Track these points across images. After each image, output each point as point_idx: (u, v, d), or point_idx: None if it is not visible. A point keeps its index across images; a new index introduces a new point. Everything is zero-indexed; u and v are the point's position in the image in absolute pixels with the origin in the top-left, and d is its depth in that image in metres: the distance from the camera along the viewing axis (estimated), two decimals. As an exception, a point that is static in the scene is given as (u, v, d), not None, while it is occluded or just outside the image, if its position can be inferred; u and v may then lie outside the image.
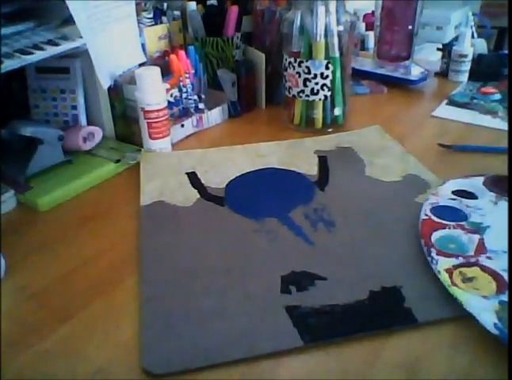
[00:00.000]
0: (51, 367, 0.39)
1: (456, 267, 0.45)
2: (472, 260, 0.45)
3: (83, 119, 0.72)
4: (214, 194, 0.60)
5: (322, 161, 0.68)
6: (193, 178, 0.64)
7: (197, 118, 0.79)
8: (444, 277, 0.44)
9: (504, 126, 0.77)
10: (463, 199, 0.55)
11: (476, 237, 0.48)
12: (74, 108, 0.72)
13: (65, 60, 0.69)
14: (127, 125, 0.76)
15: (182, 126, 0.77)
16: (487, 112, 0.83)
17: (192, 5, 0.85)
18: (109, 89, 0.72)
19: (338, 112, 0.78)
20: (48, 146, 0.63)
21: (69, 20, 0.64)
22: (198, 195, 0.60)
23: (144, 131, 0.70)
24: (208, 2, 0.87)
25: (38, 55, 0.60)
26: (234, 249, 0.50)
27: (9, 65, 0.56)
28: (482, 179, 0.58)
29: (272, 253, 0.49)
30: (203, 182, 0.63)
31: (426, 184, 0.61)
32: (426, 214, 0.52)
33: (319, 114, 0.77)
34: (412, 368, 0.38)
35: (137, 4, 0.75)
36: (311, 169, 0.66)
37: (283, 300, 0.43)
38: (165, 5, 0.87)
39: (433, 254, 0.46)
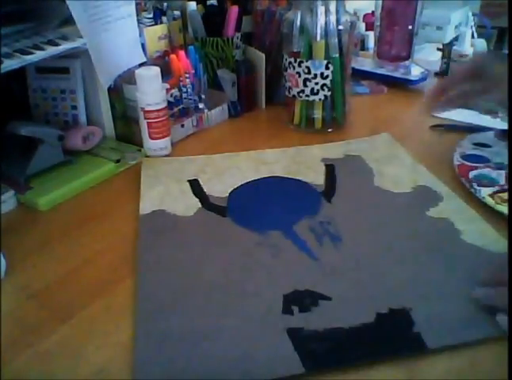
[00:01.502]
0: (51, 367, 0.39)
1: (494, 193, 0.57)
2: (505, 187, 0.58)
3: (83, 119, 0.72)
4: (216, 203, 0.58)
5: (330, 170, 0.65)
6: (195, 186, 0.62)
7: (197, 118, 0.79)
8: (489, 201, 0.55)
9: (504, 126, 0.77)
10: (483, 148, 0.68)
11: (502, 171, 0.61)
12: (74, 108, 0.72)
13: (65, 60, 0.69)
14: (127, 125, 0.76)
15: (182, 126, 0.77)
16: (487, 112, 0.82)
17: (193, 5, 0.85)
18: (109, 89, 0.72)
19: (338, 111, 0.78)
20: (48, 146, 0.63)
21: (69, 20, 0.64)
22: (200, 205, 0.58)
23: (144, 131, 0.70)
24: (208, 2, 0.87)
25: (38, 55, 0.60)
26: (235, 264, 0.48)
27: (9, 65, 0.56)
28: (492, 133, 0.72)
29: (274, 269, 0.47)
30: (205, 190, 0.61)
31: (438, 196, 0.58)
32: (459, 160, 0.64)
33: (319, 114, 0.77)
34: (412, 368, 0.38)
35: (137, 4, 0.75)
36: (317, 177, 0.63)
37: (284, 321, 0.41)
38: (165, 5, 0.87)
39: (475, 186, 0.58)
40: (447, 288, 0.44)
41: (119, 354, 0.39)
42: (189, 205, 0.58)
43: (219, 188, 0.62)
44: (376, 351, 0.38)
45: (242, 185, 0.62)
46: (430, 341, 0.38)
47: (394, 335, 0.40)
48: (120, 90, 0.74)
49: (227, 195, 0.60)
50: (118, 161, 0.68)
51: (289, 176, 0.64)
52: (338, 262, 0.48)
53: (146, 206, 0.58)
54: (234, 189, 0.61)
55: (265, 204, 0.58)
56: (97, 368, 0.38)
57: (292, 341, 0.39)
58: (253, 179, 0.64)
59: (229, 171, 0.66)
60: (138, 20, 0.76)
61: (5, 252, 0.49)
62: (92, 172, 0.65)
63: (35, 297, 0.46)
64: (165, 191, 0.61)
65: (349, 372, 0.38)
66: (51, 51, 0.61)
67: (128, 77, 0.74)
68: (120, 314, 0.43)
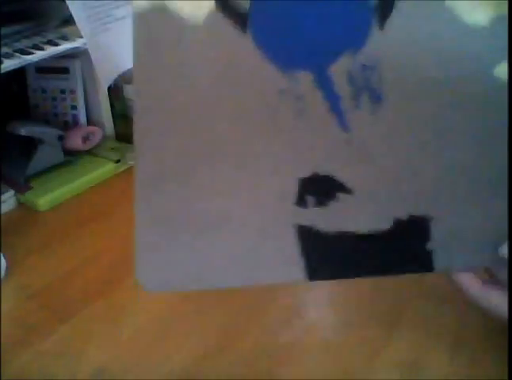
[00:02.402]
0: (51, 367, 0.39)
1: None
2: None
3: (83, 119, 0.72)
4: (235, 5, 0.38)
5: None
6: None
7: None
8: None
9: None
10: None
11: None
12: (74, 108, 0.72)
13: (65, 60, 0.69)
14: (127, 125, 0.76)
15: (182, 126, 0.76)
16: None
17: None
18: (109, 89, 0.72)
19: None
20: (48, 146, 0.63)
21: (69, 20, 0.64)
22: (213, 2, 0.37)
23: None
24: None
25: (38, 55, 0.60)
26: (251, 121, 0.37)
27: (9, 65, 0.56)
28: None
29: (295, 137, 0.37)
30: None
31: None
32: None
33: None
34: (412, 368, 0.38)
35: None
36: None
37: (295, 215, 0.36)
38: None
39: None
40: (484, 197, 0.37)
41: (119, 354, 0.39)
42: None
43: None
44: (381, 268, 0.36)
45: None
46: (439, 264, 0.36)
47: (403, 250, 0.36)
48: (120, 90, 0.74)
49: None
50: (118, 161, 0.68)
51: None
52: (370, 140, 0.38)
53: None
54: None
55: (298, 13, 0.39)
56: (97, 368, 0.38)
57: (300, 242, 0.36)
58: None
59: None
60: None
61: (5, 252, 0.49)
62: (92, 172, 0.65)
63: (35, 297, 0.46)
64: None
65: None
66: (51, 51, 0.61)
67: (129, 77, 0.74)
68: (121, 314, 0.43)
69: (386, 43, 0.39)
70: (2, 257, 0.48)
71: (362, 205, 0.36)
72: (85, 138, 0.68)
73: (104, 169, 0.66)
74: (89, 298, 0.45)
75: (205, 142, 0.36)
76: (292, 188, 0.36)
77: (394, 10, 0.39)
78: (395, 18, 0.39)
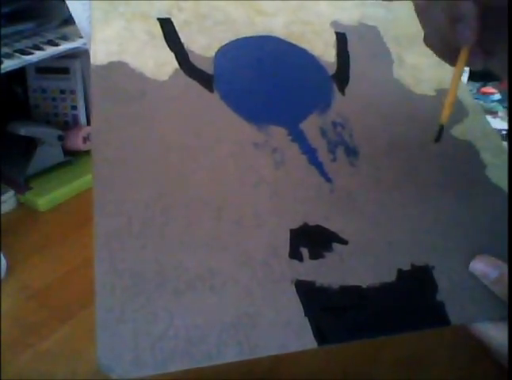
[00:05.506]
0: (51, 367, 0.39)
1: None
2: None
3: (83, 119, 0.72)
4: (199, 67, 0.41)
5: (342, 42, 0.48)
6: (169, 29, 0.43)
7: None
8: None
9: (504, 126, 0.77)
10: None
11: None
12: (74, 108, 0.72)
13: (65, 60, 0.69)
14: (127, 125, 0.76)
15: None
16: (487, 112, 0.83)
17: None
18: (109, 89, 0.72)
19: None
20: (48, 146, 0.64)
21: (69, 20, 0.64)
22: (176, 64, 0.40)
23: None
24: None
25: (38, 55, 0.60)
26: (228, 173, 0.36)
27: (9, 65, 0.56)
28: None
29: (278, 187, 0.36)
30: (183, 41, 0.42)
31: (464, 110, 0.44)
32: None
33: None
34: (412, 368, 0.38)
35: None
36: (327, 51, 0.46)
37: (292, 270, 0.32)
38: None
39: None
40: (469, 242, 0.37)
41: (119, 354, 0.39)
42: (162, 62, 0.40)
43: (201, 40, 0.43)
44: (399, 325, 0.33)
45: (232, 43, 0.44)
46: (454, 315, 0.33)
47: (416, 303, 0.34)
48: (120, 90, 0.75)
49: (213, 55, 0.42)
50: (118, 161, 0.68)
51: (292, 42, 0.46)
52: (355, 189, 0.38)
53: (99, 51, 0.39)
54: (223, 47, 0.43)
55: (262, 80, 0.42)
56: (97, 368, 0.38)
57: (302, 300, 0.31)
58: (245, 36, 0.45)
59: (213, 15, 0.45)
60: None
61: (5, 252, 0.49)
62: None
63: (35, 297, 0.46)
64: (125, 29, 0.42)
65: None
66: (51, 51, 0.61)
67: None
68: (120, 314, 0.43)
69: (349, 105, 0.42)
70: (2, 257, 0.48)
71: (361, 256, 0.34)
72: (86, 138, 0.68)
73: (104, 169, 0.66)
74: (89, 298, 0.45)
75: (179, 192, 0.34)
76: (283, 240, 0.34)
77: (350, 79, 0.44)
78: (354, 85, 0.44)
